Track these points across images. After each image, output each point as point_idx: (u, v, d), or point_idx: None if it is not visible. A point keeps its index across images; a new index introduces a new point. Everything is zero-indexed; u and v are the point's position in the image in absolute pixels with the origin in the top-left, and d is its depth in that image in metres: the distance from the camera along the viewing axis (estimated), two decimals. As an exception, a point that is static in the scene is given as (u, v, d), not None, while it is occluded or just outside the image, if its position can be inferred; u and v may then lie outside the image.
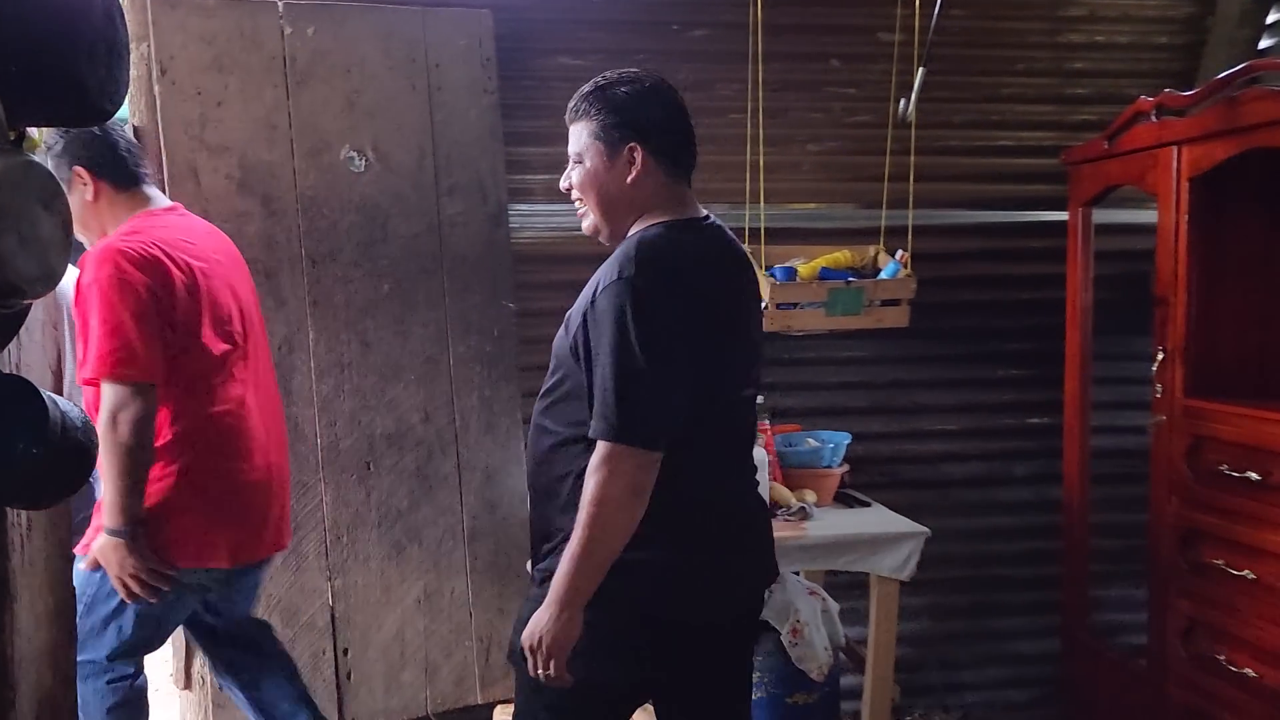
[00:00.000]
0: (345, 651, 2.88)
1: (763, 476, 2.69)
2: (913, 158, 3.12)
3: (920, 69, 3.02)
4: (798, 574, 2.83)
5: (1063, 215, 3.24)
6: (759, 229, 3.08)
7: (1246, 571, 2.41)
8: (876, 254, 3.18)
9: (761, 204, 3.08)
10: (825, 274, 3.03)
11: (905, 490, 3.36)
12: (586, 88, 1.81)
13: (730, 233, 1.89)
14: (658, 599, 1.71)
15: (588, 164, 1.78)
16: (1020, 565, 3.52)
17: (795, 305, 2.99)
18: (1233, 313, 2.72)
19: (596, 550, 1.61)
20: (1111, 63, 3.45)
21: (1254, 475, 2.38)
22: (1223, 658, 2.49)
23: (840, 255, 3.14)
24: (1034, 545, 3.50)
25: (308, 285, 2.87)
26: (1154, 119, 2.70)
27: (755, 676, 2.82)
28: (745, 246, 3.08)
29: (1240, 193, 2.68)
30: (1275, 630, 2.34)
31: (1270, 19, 3.34)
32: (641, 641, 1.73)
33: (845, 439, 2.99)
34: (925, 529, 2.72)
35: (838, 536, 2.65)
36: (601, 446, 1.61)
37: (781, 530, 2.64)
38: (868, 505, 2.93)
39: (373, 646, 2.90)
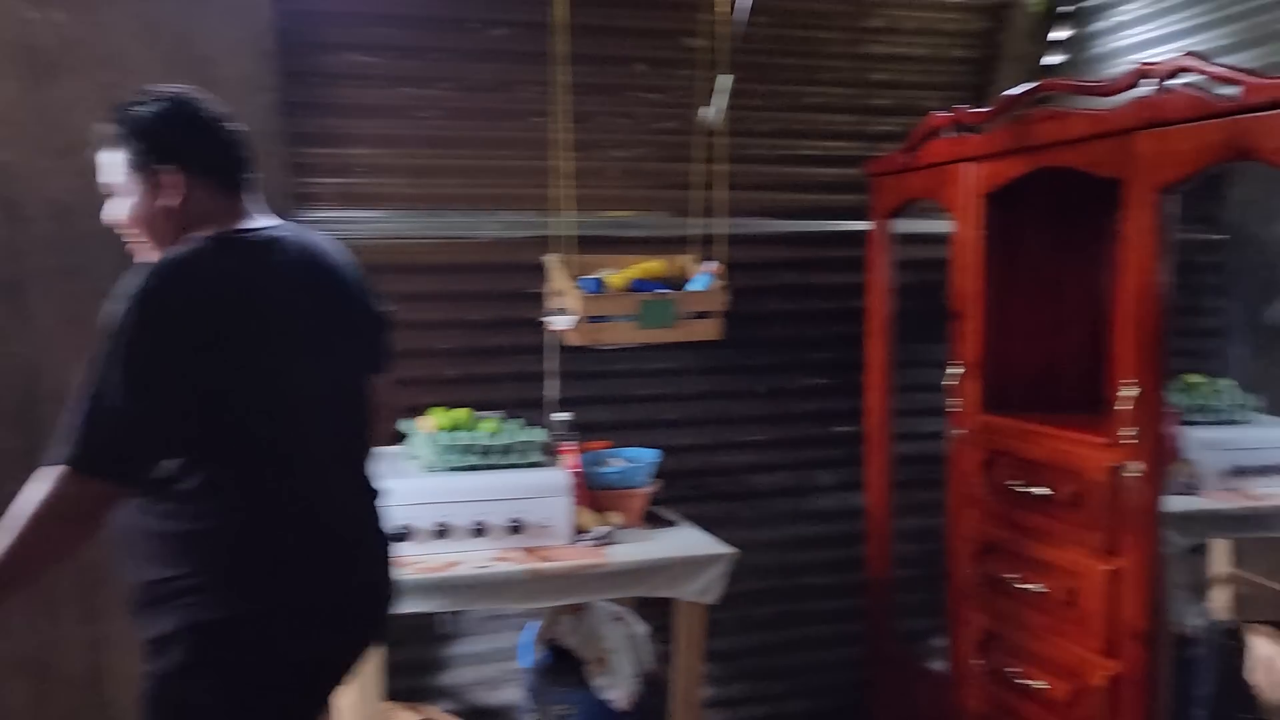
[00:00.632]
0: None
1: (564, 500, 2.60)
2: (722, 166, 3.06)
3: (726, 76, 2.96)
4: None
5: (866, 225, 3.26)
6: (568, 237, 2.96)
7: (1039, 585, 2.45)
8: (688, 264, 3.11)
9: (558, 210, 2.96)
10: (636, 286, 2.94)
11: (714, 503, 3.32)
12: (113, 114, 1.71)
13: (310, 238, 1.82)
14: (267, 639, 1.65)
15: (131, 196, 1.71)
16: (828, 573, 3.54)
17: (606, 318, 2.88)
18: (1024, 327, 2.78)
19: (15, 568, 1.51)
20: (910, 75, 3.49)
21: (1043, 491, 2.43)
22: (1016, 670, 2.53)
23: (652, 265, 3.05)
24: (841, 553, 3.52)
25: (59, 300, 2.57)
26: (950, 134, 2.72)
27: (564, 709, 2.73)
28: (552, 256, 3.02)
29: (1030, 209, 2.73)
30: (1064, 644, 2.40)
31: (1058, 35, 3.46)
32: (272, 682, 1.68)
33: (654, 457, 2.90)
34: (732, 549, 2.67)
35: (641, 562, 2.56)
36: (58, 468, 1.49)
37: (583, 558, 2.53)
38: (675, 524, 2.86)
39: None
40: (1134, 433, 2.17)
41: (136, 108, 1.70)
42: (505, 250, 3.07)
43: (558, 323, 2.95)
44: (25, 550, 1.50)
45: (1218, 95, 1.96)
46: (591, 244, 3.08)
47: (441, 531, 2.51)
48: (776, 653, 3.52)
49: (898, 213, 3.03)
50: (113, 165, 1.71)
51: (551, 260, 3.01)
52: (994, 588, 2.61)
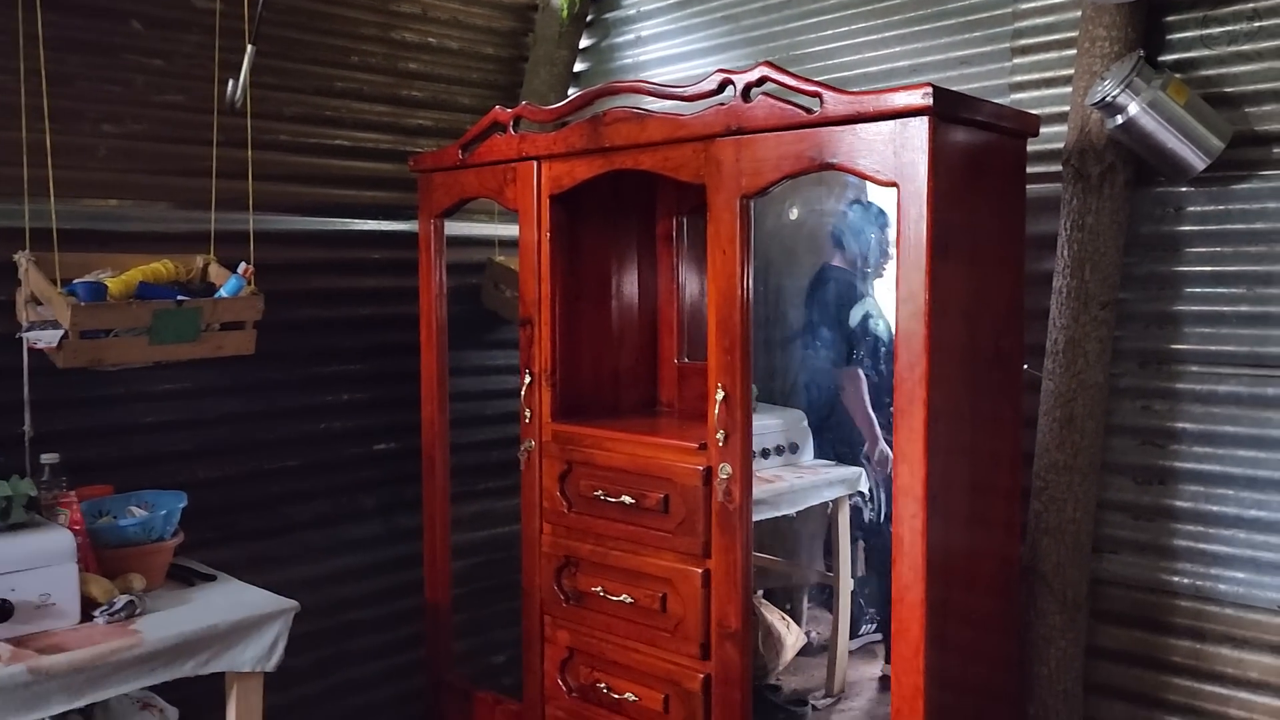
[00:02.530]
0: None
1: (68, 568, 2.03)
2: (249, 152, 2.61)
3: (250, 47, 2.52)
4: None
5: (408, 225, 3.00)
6: (45, 229, 2.32)
7: (624, 596, 2.40)
8: (206, 265, 2.62)
9: (31, 195, 2.33)
10: (145, 291, 2.39)
11: (243, 544, 2.85)
12: None
13: None
14: None
15: None
16: (377, 604, 3.23)
17: (108, 333, 2.30)
18: (591, 333, 2.72)
19: None
20: (443, 67, 3.31)
21: (628, 498, 2.38)
22: (603, 685, 2.46)
23: (159, 266, 2.51)
24: (390, 580, 3.24)
25: None
26: (512, 131, 2.58)
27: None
28: (24, 253, 2.36)
29: (597, 211, 2.68)
30: (651, 651, 2.37)
31: (584, 43, 3.48)
32: None
33: (179, 501, 2.38)
34: (294, 603, 2.27)
35: (184, 635, 2.06)
36: None
37: (106, 640, 1.98)
38: (213, 579, 2.37)
39: None
40: (723, 435, 2.19)
41: None
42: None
43: (39, 339, 2.31)
44: None
45: (799, 105, 2.03)
46: (75, 239, 2.46)
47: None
48: (319, 704, 3.12)
49: (450, 212, 2.82)
50: None
51: (24, 259, 2.35)
52: (576, 603, 2.52)
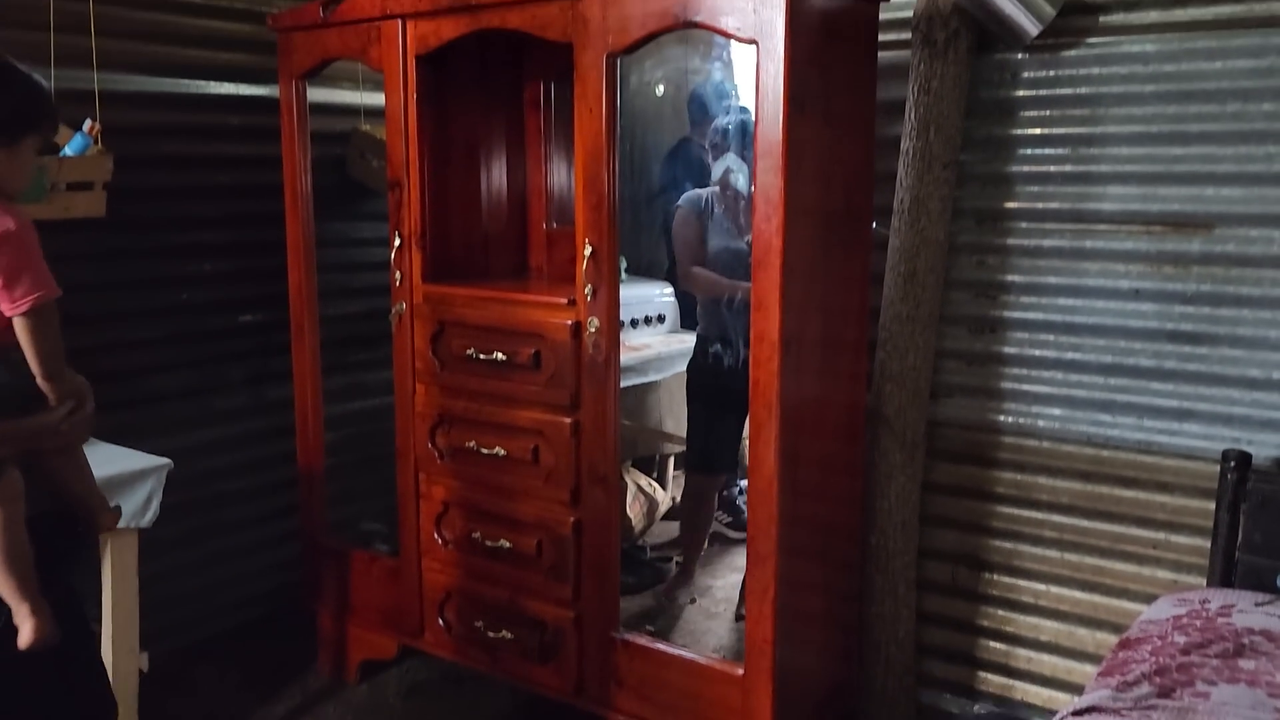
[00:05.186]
0: None
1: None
2: (91, 4, 2.49)
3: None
4: None
5: (269, 90, 2.93)
6: None
7: (498, 449, 2.49)
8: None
9: None
10: (-14, 149, 2.28)
11: (109, 414, 2.77)
12: None
13: None
14: None
15: None
16: (247, 475, 3.24)
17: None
18: (460, 198, 2.75)
19: None
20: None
21: (500, 355, 2.45)
22: (478, 534, 2.57)
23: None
24: (260, 451, 3.25)
25: None
26: (376, -12, 2.53)
27: None
28: None
29: (465, 73, 2.67)
30: (527, 500, 2.48)
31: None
32: None
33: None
34: (166, 460, 2.29)
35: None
36: None
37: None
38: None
39: None
40: (591, 290, 2.28)
41: None
42: None
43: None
44: None
45: (662, -37, 2.07)
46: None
47: None
48: (191, 573, 3.14)
49: (312, 74, 2.76)
50: None
51: None
52: (451, 458, 2.60)
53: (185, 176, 2.98)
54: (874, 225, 2.44)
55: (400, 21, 2.50)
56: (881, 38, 2.36)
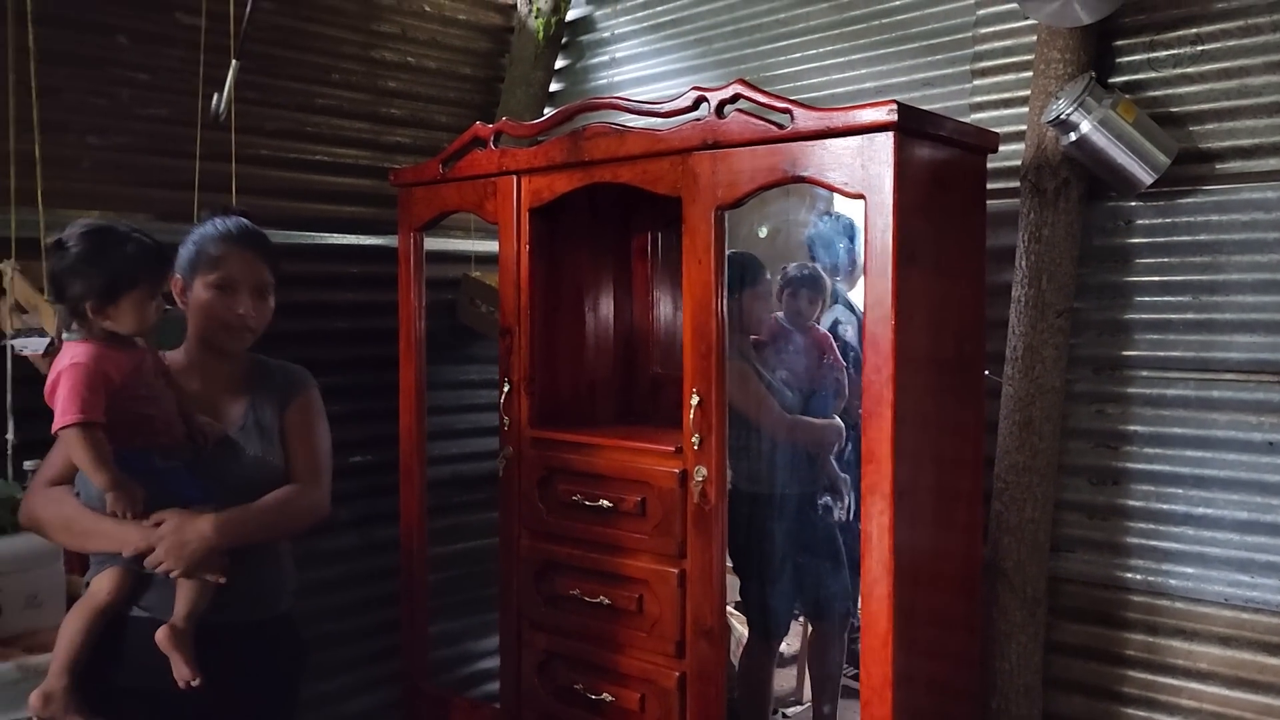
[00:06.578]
0: None
1: (56, 569, 2.06)
2: (233, 166, 2.67)
3: (234, 62, 2.58)
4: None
5: (386, 240, 3.06)
6: (31, 239, 2.36)
7: (602, 598, 2.46)
8: (189, 276, 2.65)
9: (19, 205, 2.36)
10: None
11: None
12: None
13: None
14: None
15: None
16: (352, 617, 3.25)
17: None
18: (568, 344, 2.80)
19: None
20: (421, 86, 3.38)
21: (605, 502, 2.44)
22: (580, 686, 2.52)
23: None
24: (362, 593, 3.27)
25: None
26: (493, 146, 2.65)
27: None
28: (9, 262, 2.40)
29: (573, 225, 2.76)
30: (633, 652, 2.43)
31: (559, 64, 3.58)
32: None
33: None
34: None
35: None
36: None
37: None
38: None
39: None
40: (698, 439, 2.27)
41: None
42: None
43: (25, 346, 2.34)
44: None
45: (771, 121, 2.13)
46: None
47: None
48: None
49: (429, 226, 2.88)
50: None
51: (10, 268, 2.39)
52: (554, 606, 2.57)
53: (307, 322, 3.11)
54: (986, 373, 2.39)
55: (515, 177, 2.60)
56: (990, 185, 2.36)
